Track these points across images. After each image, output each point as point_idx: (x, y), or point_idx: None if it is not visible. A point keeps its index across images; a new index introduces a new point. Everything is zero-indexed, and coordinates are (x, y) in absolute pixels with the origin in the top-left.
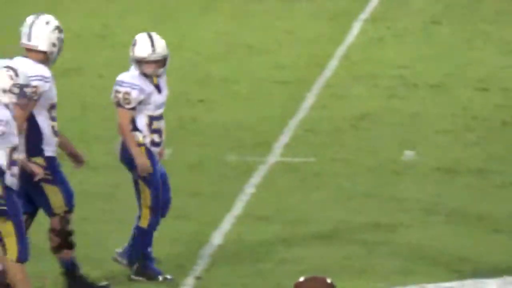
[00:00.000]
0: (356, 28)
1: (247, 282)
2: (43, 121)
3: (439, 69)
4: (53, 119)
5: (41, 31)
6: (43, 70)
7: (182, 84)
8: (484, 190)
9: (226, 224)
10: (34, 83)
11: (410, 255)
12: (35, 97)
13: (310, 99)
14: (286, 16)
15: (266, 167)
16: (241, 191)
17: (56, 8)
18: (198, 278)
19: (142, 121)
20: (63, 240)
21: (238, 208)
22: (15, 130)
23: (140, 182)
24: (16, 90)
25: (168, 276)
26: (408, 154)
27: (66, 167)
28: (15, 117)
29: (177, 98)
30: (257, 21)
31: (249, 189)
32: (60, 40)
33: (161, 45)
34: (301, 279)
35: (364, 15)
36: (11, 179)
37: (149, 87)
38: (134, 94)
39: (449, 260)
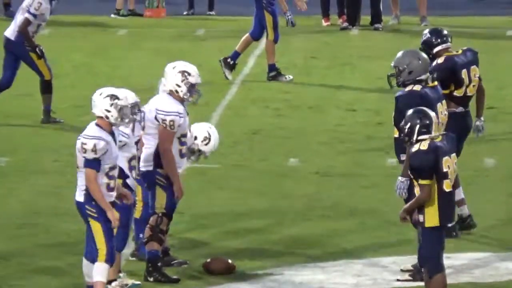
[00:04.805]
0: (251, 61)
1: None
2: (173, 145)
3: (316, 94)
4: (182, 144)
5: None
6: (178, 107)
7: None
8: (352, 190)
9: None
10: (171, 117)
11: (295, 241)
12: (174, 129)
13: (215, 118)
14: (196, 52)
15: (180, 171)
16: None
17: None
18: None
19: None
20: (154, 234)
21: None
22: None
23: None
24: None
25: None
26: (292, 160)
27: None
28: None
29: None
30: (174, 56)
31: None
32: (187, 83)
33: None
34: (208, 260)
35: (257, 52)
36: (131, 181)
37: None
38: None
39: (326, 244)
